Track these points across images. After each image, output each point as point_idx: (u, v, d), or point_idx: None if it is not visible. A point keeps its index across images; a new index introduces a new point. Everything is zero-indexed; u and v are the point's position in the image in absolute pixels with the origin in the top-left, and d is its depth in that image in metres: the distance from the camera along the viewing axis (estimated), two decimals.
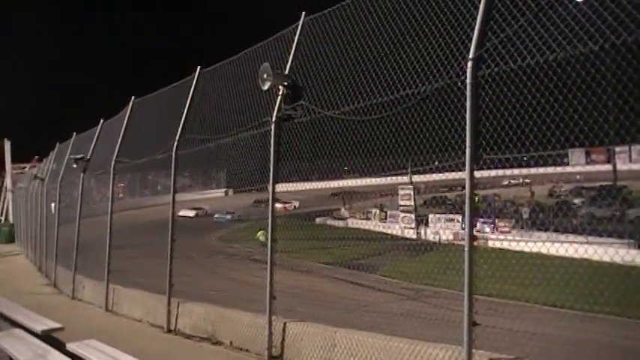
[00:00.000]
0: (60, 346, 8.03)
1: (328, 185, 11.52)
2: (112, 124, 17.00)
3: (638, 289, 14.70)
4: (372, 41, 7.86)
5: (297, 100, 8.99)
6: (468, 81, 6.28)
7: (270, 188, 9.30)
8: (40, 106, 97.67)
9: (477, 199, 6.48)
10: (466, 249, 6.19)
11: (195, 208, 47.82)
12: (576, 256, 12.06)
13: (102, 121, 18.07)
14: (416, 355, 6.92)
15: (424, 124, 7.34)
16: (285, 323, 9.03)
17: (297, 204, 40.82)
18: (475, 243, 6.31)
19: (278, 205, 9.77)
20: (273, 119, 9.21)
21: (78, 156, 18.16)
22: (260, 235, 23.96)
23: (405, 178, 35.37)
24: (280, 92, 9.10)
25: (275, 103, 9.25)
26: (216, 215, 49.35)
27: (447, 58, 6.72)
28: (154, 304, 12.80)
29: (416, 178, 36.94)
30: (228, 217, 48.27)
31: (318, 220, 43.06)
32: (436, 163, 9.53)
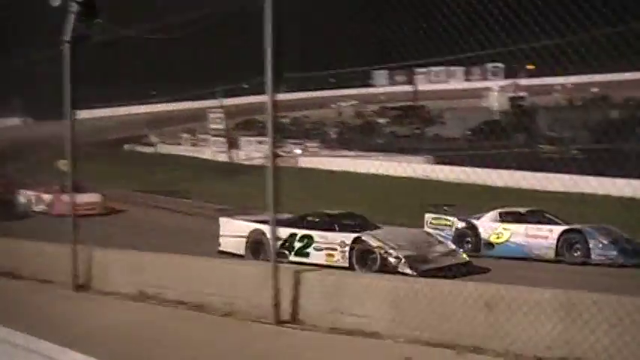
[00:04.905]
0: None
1: (137, 110, 11.18)
2: None
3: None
4: None
5: (93, 19, 8.45)
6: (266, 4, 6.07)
7: (68, 117, 8.76)
8: None
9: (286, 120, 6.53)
10: (270, 166, 6.19)
11: None
12: (381, 171, 12.74)
13: None
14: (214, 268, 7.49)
15: (227, 45, 7.27)
16: (91, 251, 8.77)
17: None
18: (283, 163, 6.37)
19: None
20: (68, 39, 8.58)
21: None
22: (62, 164, 22.89)
23: (216, 102, 35.13)
24: (73, 9, 8.48)
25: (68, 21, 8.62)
26: None
27: None
28: None
29: (227, 101, 36.65)
30: None
31: (126, 146, 42.07)
32: (245, 85, 9.53)
